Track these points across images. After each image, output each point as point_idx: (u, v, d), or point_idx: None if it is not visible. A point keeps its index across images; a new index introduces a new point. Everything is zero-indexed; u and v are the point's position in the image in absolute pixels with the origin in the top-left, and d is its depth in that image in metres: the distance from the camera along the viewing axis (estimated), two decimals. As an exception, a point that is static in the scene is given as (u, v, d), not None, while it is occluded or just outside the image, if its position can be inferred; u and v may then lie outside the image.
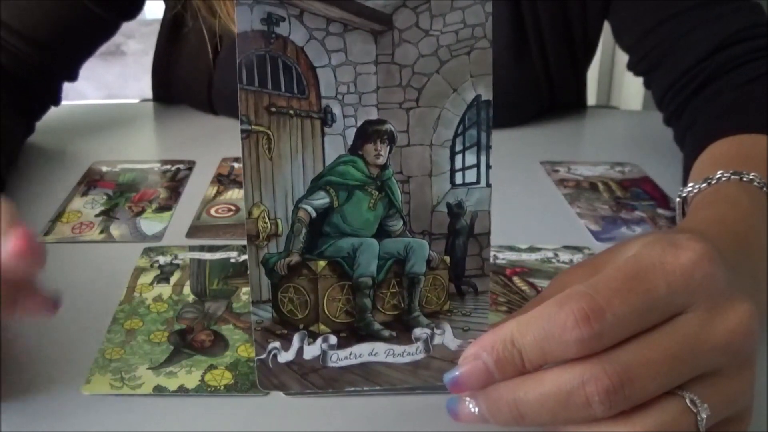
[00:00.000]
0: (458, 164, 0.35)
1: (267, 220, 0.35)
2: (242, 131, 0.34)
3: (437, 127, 0.35)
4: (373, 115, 0.34)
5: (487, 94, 0.35)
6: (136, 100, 1.01)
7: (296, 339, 0.36)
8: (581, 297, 0.31)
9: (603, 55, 2.12)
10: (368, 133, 0.34)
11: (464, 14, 0.33)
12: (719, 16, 0.67)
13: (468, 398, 0.34)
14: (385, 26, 0.33)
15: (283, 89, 0.34)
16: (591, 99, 0.98)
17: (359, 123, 0.34)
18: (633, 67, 0.75)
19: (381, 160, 0.35)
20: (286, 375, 0.36)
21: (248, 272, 0.36)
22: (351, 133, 0.34)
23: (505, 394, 0.33)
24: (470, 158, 0.35)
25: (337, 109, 0.34)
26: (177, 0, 0.75)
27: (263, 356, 0.36)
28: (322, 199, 0.35)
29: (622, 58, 0.77)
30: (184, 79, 0.84)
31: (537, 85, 0.81)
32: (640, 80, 0.76)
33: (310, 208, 0.35)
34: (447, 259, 0.36)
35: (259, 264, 0.35)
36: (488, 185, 0.35)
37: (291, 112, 0.34)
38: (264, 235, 0.35)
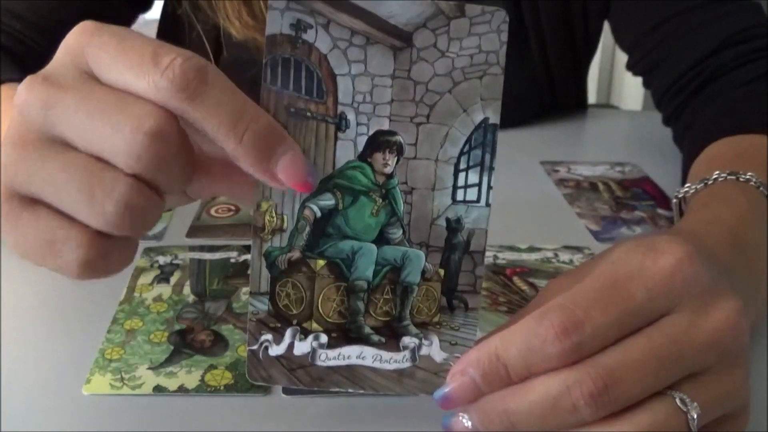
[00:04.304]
0: (461, 181, 0.37)
1: (274, 214, 0.36)
2: None
3: (444, 143, 0.36)
4: (385, 125, 0.36)
5: (494, 118, 0.36)
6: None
7: (288, 334, 0.38)
8: (559, 310, 0.32)
9: (603, 55, 2.14)
10: (379, 142, 0.36)
11: (480, 40, 0.35)
12: (719, 16, 0.68)
13: (461, 413, 0.35)
14: (405, 43, 0.36)
15: (303, 92, 0.36)
16: (591, 99, 0.99)
17: (371, 132, 0.36)
18: (632, 67, 0.76)
19: (388, 170, 0.36)
20: (274, 368, 0.38)
21: (250, 263, 0.37)
22: (362, 141, 0.36)
23: (495, 405, 0.34)
24: (473, 177, 0.37)
25: (351, 117, 0.36)
26: (177, 1, 0.76)
27: (255, 347, 0.37)
28: (328, 201, 0.37)
29: (622, 58, 0.77)
30: None
31: (537, 85, 0.82)
32: (640, 80, 0.76)
33: (315, 208, 0.37)
34: (441, 272, 0.37)
35: (262, 256, 0.37)
36: (488, 205, 0.37)
37: (308, 114, 0.36)
38: (269, 228, 0.37)
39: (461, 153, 0.37)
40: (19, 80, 0.33)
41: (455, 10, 0.35)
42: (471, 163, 0.37)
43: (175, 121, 0.31)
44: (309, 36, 0.35)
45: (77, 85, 0.32)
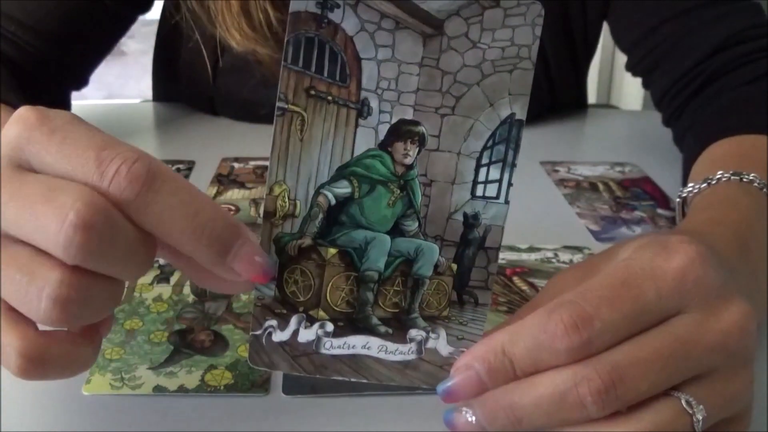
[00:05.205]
0: (481, 177, 0.36)
1: (286, 199, 0.35)
2: (278, 108, 0.34)
3: (468, 137, 0.35)
4: (409, 115, 0.35)
5: (521, 114, 0.35)
6: (136, 100, 1.01)
7: (294, 321, 0.37)
8: (569, 305, 0.32)
9: (603, 55, 2.14)
10: (401, 131, 0.35)
11: (514, 33, 0.34)
12: (719, 17, 0.67)
13: (464, 408, 0.34)
14: (436, 31, 0.34)
15: (325, 74, 0.34)
16: (591, 99, 0.99)
17: (393, 120, 0.35)
18: (632, 68, 0.75)
19: (408, 160, 0.35)
20: (277, 354, 0.37)
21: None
22: (384, 129, 0.35)
23: (500, 399, 0.33)
24: (494, 173, 0.36)
25: (374, 103, 0.34)
26: (176, 9, 0.75)
27: (258, 332, 0.37)
28: (344, 188, 0.35)
29: (622, 58, 0.77)
30: (185, 82, 0.84)
31: (537, 85, 0.81)
32: (640, 80, 0.75)
33: (330, 195, 0.35)
34: (454, 266, 0.37)
35: (271, 241, 0.36)
36: (506, 202, 0.36)
37: (329, 98, 0.34)
38: (281, 214, 0.35)
39: (484, 148, 0.35)
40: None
41: (490, 0, 0.34)
42: (493, 159, 0.36)
43: (108, 208, 0.30)
44: (335, 16, 0.33)
45: (7, 181, 0.30)
